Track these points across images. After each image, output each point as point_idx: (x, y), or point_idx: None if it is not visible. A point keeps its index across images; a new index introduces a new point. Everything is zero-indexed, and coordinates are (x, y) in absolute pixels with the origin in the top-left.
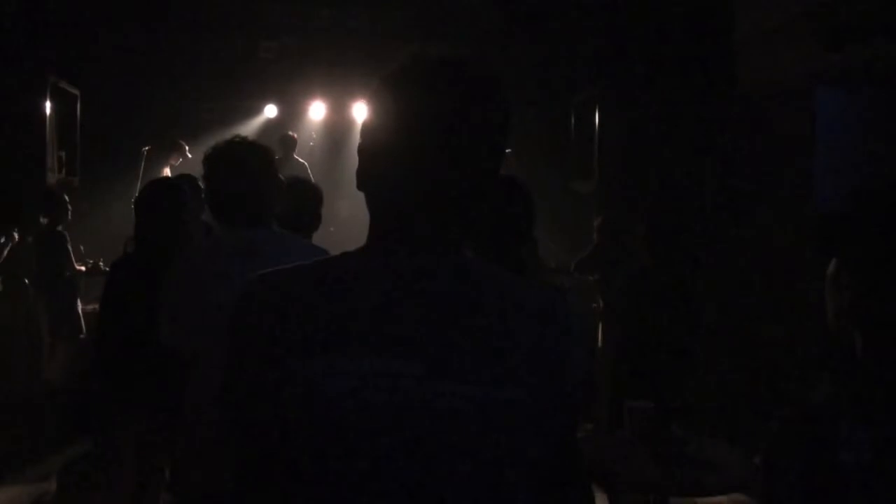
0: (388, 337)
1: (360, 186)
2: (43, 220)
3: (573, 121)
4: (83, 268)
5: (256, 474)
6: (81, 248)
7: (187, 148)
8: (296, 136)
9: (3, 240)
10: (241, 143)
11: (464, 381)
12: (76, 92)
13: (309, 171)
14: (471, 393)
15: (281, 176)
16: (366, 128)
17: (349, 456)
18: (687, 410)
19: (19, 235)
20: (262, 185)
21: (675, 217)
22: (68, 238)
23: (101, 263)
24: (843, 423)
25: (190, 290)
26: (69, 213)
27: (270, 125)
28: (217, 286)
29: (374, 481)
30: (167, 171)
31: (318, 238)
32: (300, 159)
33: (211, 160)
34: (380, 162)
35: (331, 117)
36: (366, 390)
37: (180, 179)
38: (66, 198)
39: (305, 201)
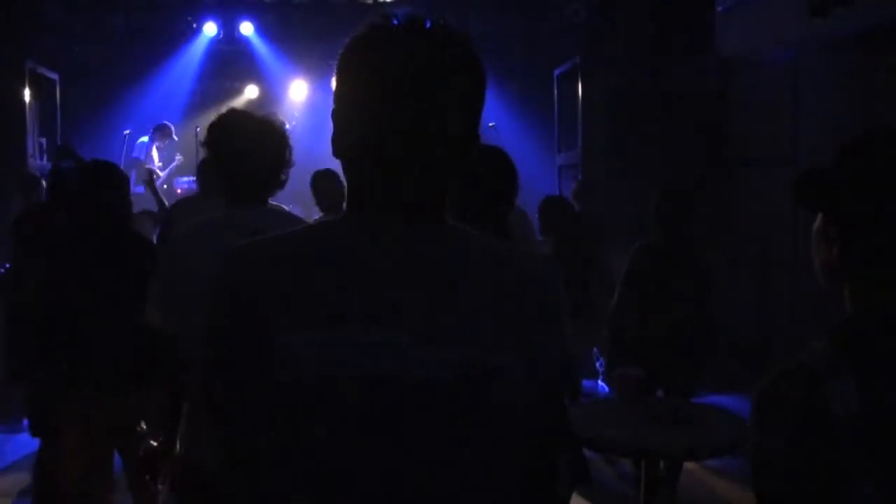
0: (371, 306)
1: (336, 153)
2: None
3: (556, 92)
4: None
5: (237, 443)
6: None
7: (173, 129)
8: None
9: None
10: (251, 117)
11: (449, 348)
12: (55, 77)
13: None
14: (456, 360)
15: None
16: (338, 92)
17: (331, 426)
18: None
19: None
20: (276, 163)
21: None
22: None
23: None
24: (832, 376)
25: (186, 270)
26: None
27: (251, 105)
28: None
29: (358, 451)
30: (154, 154)
31: None
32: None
33: (222, 134)
34: (354, 127)
35: (313, 97)
36: (349, 360)
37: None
38: (44, 183)
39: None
